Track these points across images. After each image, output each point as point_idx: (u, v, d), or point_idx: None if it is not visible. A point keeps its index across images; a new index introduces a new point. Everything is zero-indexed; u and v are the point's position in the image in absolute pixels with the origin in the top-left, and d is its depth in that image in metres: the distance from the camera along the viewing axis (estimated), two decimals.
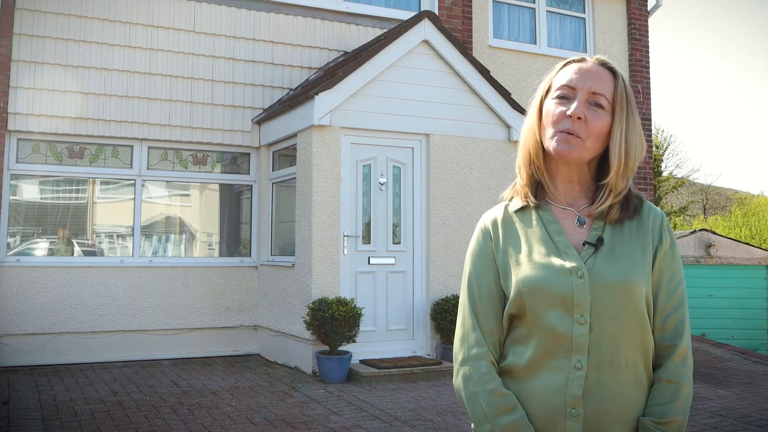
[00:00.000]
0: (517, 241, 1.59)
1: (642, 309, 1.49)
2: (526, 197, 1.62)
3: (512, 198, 1.68)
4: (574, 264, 1.50)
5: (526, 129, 1.63)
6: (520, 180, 1.64)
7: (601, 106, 1.53)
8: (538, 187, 1.62)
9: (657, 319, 1.52)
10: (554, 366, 1.48)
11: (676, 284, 1.54)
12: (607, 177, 1.54)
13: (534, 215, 1.61)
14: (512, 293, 1.54)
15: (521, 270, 1.54)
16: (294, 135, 7.38)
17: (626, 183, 1.56)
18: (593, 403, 1.45)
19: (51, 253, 7.60)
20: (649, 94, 10.71)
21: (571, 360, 1.46)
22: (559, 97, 1.56)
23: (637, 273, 1.49)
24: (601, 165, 1.60)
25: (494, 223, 1.65)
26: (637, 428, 1.47)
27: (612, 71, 1.57)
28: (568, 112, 1.52)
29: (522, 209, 1.63)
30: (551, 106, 1.56)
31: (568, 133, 1.52)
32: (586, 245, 1.53)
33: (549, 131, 1.55)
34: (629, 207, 1.57)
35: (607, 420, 1.44)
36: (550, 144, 1.54)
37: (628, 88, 1.57)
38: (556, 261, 1.51)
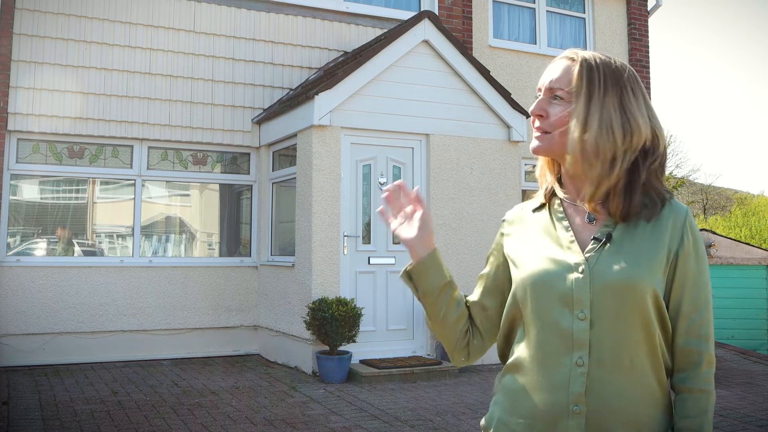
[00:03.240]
0: (526, 237, 1.62)
1: (648, 310, 1.45)
2: (544, 197, 1.66)
3: (534, 197, 1.73)
4: (575, 259, 1.50)
5: None
6: (539, 184, 1.70)
7: (560, 98, 1.54)
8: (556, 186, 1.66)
9: (681, 324, 1.48)
10: (557, 362, 1.47)
11: (700, 286, 1.50)
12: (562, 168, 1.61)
13: (546, 212, 1.63)
14: (515, 287, 1.57)
15: (526, 265, 1.56)
16: (294, 135, 7.38)
17: (599, 170, 1.48)
18: (596, 401, 1.44)
19: (51, 253, 7.60)
20: (649, 94, 10.71)
21: (572, 356, 1.46)
22: (535, 99, 1.61)
23: (643, 273, 1.46)
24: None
25: (511, 218, 1.72)
26: (643, 429, 1.45)
27: (572, 59, 1.56)
28: (529, 111, 1.61)
29: (539, 208, 1.66)
30: None
31: (539, 131, 1.58)
32: (593, 241, 1.52)
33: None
34: (632, 201, 1.50)
35: (610, 419, 1.43)
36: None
37: (600, 71, 1.52)
38: (559, 256, 1.52)
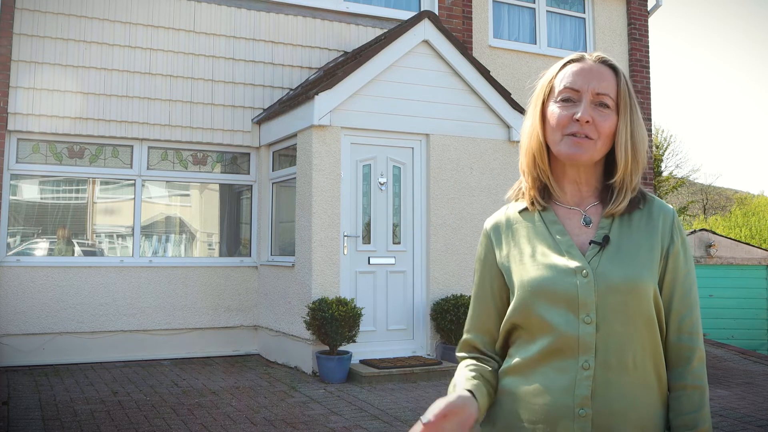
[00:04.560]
0: (519, 244, 1.59)
1: (649, 309, 1.47)
2: (532, 200, 1.61)
3: (517, 199, 1.67)
4: (577, 264, 1.49)
5: (528, 131, 1.62)
6: (526, 183, 1.64)
7: (606, 106, 1.53)
8: (544, 189, 1.61)
9: (673, 321, 1.51)
10: (561, 366, 1.47)
11: (690, 284, 1.54)
12: (615, 175, 1.54)
13: (537, 217, 1.60)
14: (516, 294, 1.54)
15: (525, 272, 1.54)
16: (294, 135, 7.38)
17: (639, 178, 1.57)
18: (601, 404, 1.44)
19: (51, 253, 7.60)
20: (649, 94, 10.71)
21: (578, 360, 1.45)
22: (563, 100, 1.55)
23: (644, 272, 1.48)
24: (608, 163, 1.59)
25: (495, 227, 1.66)
26: (646, 429, 1.45)
27: (613, 68, 1.57)
28: (576, 117, 1.51)
29: (525, 210, 1.63)
30: (556, 110, 1.55)
31: (578, 135, 1.52)
32: (591, 244, 1.53)
33: (556, 135, 1.54)
34: (634, 199, 1.58)
35: (615, 421, 1.43)
36: (560, 148, 1.54)
37: (629, 83, 1.57)
38: (560, 261, 1.51)
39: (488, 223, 1.68)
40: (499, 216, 1.68)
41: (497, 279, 1.61)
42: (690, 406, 1.48)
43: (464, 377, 1.52)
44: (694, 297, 1.54)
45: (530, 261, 1.55)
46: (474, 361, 1.60)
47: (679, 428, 1.47)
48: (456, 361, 1.68)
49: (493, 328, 1.62)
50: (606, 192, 1.58)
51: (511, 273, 1.57)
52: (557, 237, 1.55)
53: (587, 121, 1.51)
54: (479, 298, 1.65)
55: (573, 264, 1.50)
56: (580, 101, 1.53)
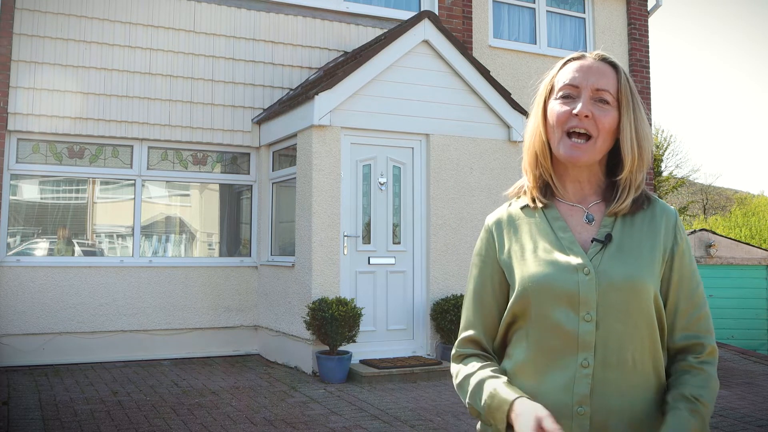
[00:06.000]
0: (521, 240, 1.59)
1: (650, 308, 1.47)
2: (534, 199, 1.61)
3: (519, 197, 1.67)
4: (579, 261, 1.49)
5: (531, 130, 1.62)
6: (528, 182, 1.63)
7: (606, 102, 1.53)
8: (546, 188, 1.61)
9: (680, 320, 1.51)
10: (561, 364, 1.47)
11: (696, 283, 1.54)
12: (622, 173, 1.54)
13: (539, 213, 1.60)
14: (517, 290, 1.53)
15: (526, 268, 1.53)
16: (294, 135, 7.38)
17: (643, 176, 1.56)
18: (600, 402, 1.43)
19: (51, 253, 7.60)
20: (649, 94, 10.71)
21: (577, 358, 1.45)
22: (563, 97, 1.55)
23: (645, 272, 1.48)
24: (611, 160, 1.59)
25: (498, 223, 1.65)
26: (644, 428, 1.45)
27: (613, 66, 1.57)
28: (575, 111, 1.51)
29: (527, 207, 1.62)
30: (556, 106, 1.55)
31: (577, 134, 1.51)
32: (594, 242, 1.52)
33: (556, 133, 1.54)
34: (638, 200, 1.57)
35: (613, 419, 1.43)
36: (560, 149, 1.53)
37: (631, 81, 1.57)
38: (562, 258, 1.50)
39: (490, 219, 1.67)
40: (501, 212, 1.67)
41: (498, 275, 1.60)
42: (695, 381, 1.46)
43: (501, 381, 1.47)
44: (701, 295, 1.53)
45: (532, 257, 1.54)
46: (488, 362, 1.57)
47: (678, 399, 1.44)
48: None
49: (493, 325, 1.60)
50: (609, 190, 1.58)
51: (512, 269, 1.56)
52: (559, 234, 1.55)
53: (586, 116, 1.50)
54: (478, 294, 1.62)
55: (575, 261, 1.49)
56: (579, 97, 1.53)
